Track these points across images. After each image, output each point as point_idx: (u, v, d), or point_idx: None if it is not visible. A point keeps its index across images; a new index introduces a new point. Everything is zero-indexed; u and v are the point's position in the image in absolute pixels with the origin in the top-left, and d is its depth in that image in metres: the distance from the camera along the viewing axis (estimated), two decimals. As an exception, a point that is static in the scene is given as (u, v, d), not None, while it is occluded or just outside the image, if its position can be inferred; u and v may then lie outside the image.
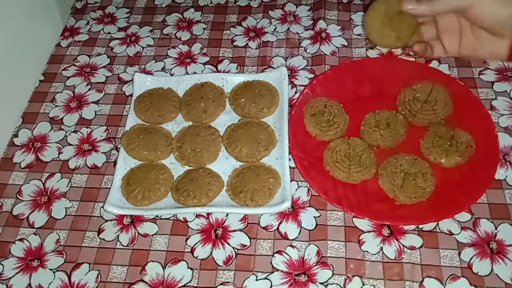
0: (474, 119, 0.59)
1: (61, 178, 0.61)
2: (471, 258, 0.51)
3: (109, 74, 0.72)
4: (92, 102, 0.69)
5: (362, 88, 0.64)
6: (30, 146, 0.65)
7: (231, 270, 0.52)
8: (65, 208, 0.59)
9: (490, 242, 0.52)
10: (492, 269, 0.50)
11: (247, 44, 0.73)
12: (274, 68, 0.69)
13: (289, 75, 0.67)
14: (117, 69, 0.72)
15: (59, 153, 0.64)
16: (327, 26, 0.73)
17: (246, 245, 0.54)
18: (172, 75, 0.70)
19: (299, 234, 0.54)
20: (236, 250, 0.54)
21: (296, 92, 0.66)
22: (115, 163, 0.61)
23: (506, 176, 0.56)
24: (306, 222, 0.55)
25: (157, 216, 0.57)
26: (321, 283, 0.51)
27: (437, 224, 0.53)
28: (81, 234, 0.56)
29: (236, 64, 0.71)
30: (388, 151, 0.58)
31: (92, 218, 0.58)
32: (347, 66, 0.66)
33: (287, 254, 0.53)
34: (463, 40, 0.50)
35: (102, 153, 0.63)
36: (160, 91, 0.66)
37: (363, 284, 0.51)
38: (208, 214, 0.57)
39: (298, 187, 0.58)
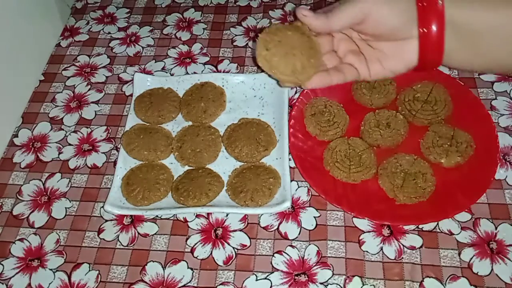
0: (474, 119, 0.59)
1: (61, 178, 0.61)
2: (471, 258, 0.51)
3: (109, 74, 0.72)
4: (92, 102, 0.69)
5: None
6: (30, 146, 0.65)
7: (231, 270, 0.53)
8: (65, 208, 0.59)
9: (490, 242, 0.52)
10: (492, 269, 0.50)
11: (247, 44, 0.73)
12: (274, 68, 0.69)
13: (289, 75, 0.67)
14: (117, 69, 0.72)
15: (59, 153, 0.64)
16: (327, 26, 0.73)
17: (246, 245, 0.54)
18: (172, 75, 0.70)
19: (299, 234, 0.54)
20: (236, 250, 0.54)
21: (296, 92, 0.66)
22: (115, 163, 0.61)
23: (506, 176, 0.56)
24: (306, 222, 0.55)
25: (157, 216, 0.57)
26: (321, 283, 0.51)
27: (437, 224, 0.53)
28: (81, 234, 0.56)
29: (236, 64, 0.71)
30: (388, 151, 0.58)
31: (92, 218, 0.58)
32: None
33: (287, 254, 0.53)
34: (369, 62, 0.46)
35: (102, 153, 0.63)
36: (160, 91, 0.66)
37: (363, 284, 0.51)
38: (208, 214, 0.57)
39: (298, 187, 0.58)
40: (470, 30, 0.40)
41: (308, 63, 0.44)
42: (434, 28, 0.40)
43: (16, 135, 0.66)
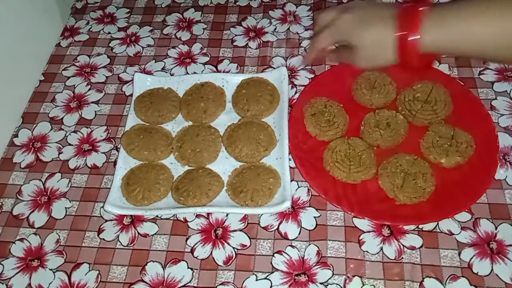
0: (474, 119, 0.59)
1: (61, 178, 0.61)
2: (471, 258, 0.51)
3: (109, 74, 0.72)
4: (92, 102, 0.69)
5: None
6: (30, 146, 0.65)
7: (231, 270, 0.52)
8: (65, 208, 0.59)
9: (490, 242, 0.52)
10: (492, 269, 0.50)
11: (247, 44, 0.73)
12: (274, 68, 0.69)
13: (289, 75, 0.67)
14: (117, 69, 0.72)
15: (59, 153, 0.64)
16: (327, 26, 0.73)
17: (246, 245, 0.54)
18: (172, 75, 0.70)
19: (299, 234, 0.54)
20: (236, 250, 0.54)
21: (296, 92, 0.66)
22: (115, 163, 0.61)
23: (506, 176, 0.56)
24: (306, 222, 0.55)
25: (157, 216, 0.57)
26: (321, 283, 0.51)
27: (437, 224, 0.53)
28: (81, 234, 0.56)
29: (236, 64, 0.71)
30: (388, 151, 0.58)
31: (92, 218, 0.58)
32: (347, 66, 0.66)
33: (287, 254, 0.53)
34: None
35: (102, 153, 0.63)
36: (160, 91, 0.66)
37: (363, 284, 0.51)
38: (208, 214, 0.57)
39: (298, 187, 0.58)
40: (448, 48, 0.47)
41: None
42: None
43: (16, 135, 0.66)
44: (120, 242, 0.55)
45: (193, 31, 0.76)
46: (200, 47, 0.74)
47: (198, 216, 0.57)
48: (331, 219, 0.55)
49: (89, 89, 0.70)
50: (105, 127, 0.66)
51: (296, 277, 0.51)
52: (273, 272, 0.52)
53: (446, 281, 0.50)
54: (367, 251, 0.53)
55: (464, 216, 0.54)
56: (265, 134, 0.60)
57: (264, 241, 0.54)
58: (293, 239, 0.54)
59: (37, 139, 0.66)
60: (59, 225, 0.57)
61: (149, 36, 0.76)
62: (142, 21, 0.78)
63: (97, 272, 0.53)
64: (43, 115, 0.68)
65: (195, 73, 0.70)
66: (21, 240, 0.56)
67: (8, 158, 0.64)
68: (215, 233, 0.55)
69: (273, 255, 0.53)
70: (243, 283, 0.52)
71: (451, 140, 0.57)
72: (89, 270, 0.54)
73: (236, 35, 0.74)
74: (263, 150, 0.59)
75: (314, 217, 0.55)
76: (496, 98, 0.63)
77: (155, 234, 0.56)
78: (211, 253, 0.54)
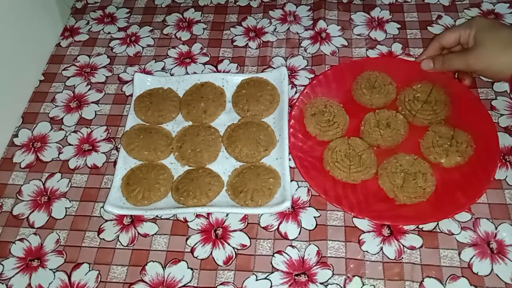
0: (474, 119, 0.59)
1: (61, 178, 0.61)
2: (471, 258, 0.51)
3: (109, 74, 0.72)
4: (92, 102, 0.69)
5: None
6: (30, 146, 0.65)
7: (231, 270, 0.53)
8: (65, 208, 0.59)
9: (490, 242, 0.52)
10: (492, 269, 0.50)
11: (247, 44, 0.73)
12: (274, 68, 0.69)
13: (289, 75, 0.67)
14: (117, 69, 0.72)
15: (59, 153, 0.64)
16: (327, 26, 0.73)
17: (246, 245, 0.54)
18: (172, 75, 0.70)
19: (299, 234, 0.54)
20: (236, 250, 0.54)
21: (296, 92, 0.66)
22: (115, 163, 0.61)
23: (506, 176, 0.56)
24: (306, 222, 0.55)
25: (157, 216, 0.57)
26: (321, 283, 0.51)
27: (437, 224, 0.53)
28: (81, 234, 0.56)
29: (236, 64, 0.71)
30: (388, 151, 0.58)
31: (92, 218, 0.58)
32: (347, 66, 0.66)
33: (287, 254, 0.53)
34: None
35: (102, 153, 0.63)
36: (160, 91, 0.66)
37: (363, 284, 0.51)
38: (208, 214, 0.57)
39: (298, 187, 0.58)
40: None
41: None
42: None
43: (16, 135, 0.66)
44: (120, 242, 0.55)
45: (193, 31, 0.76)
46: (200, 47, 0.74)
47: (198, 216, 0.57)
48: (331, 219, 0.55)
49: (89, 89, 0.70)
50: (105, 127, 0.66)
51: (296, 277, 0.51)
52: (273, 272, 0.52)
53: (446, 281, 0.50)
54: (367, 251, 0.53)
55: (464, 216, 0.54)
56: (265, 134, 0.60)
57: (264, 241, 0.54)
58: (293, 239, 0.54)
59: (37, 139, 0.66)
60: (59, 225, 0.57)
61: (149, 36, 0.76)
62: (142, 21, 0.78)
63: (97, 272, 0.53)
64: (43, 115, 0.68)
65: (195, 73, 0.70)
66: (21, 240, 0.57)
67: (8, 158, 0.64)
68: (215, 233, 0.55)
69: (273, 255, 0.53)
70: (243, 283, 0.52)
71: (451, 140, 0.57)
72: (89, 270, 0.54)
73: (236, 35, 0.74)
74: (263, 150, 0.59)
75: (314, 217, 0.55)
76: (496, 98, 0.63)
77: (155, 234, 0.56)
78: (211, 253, 0.54)
